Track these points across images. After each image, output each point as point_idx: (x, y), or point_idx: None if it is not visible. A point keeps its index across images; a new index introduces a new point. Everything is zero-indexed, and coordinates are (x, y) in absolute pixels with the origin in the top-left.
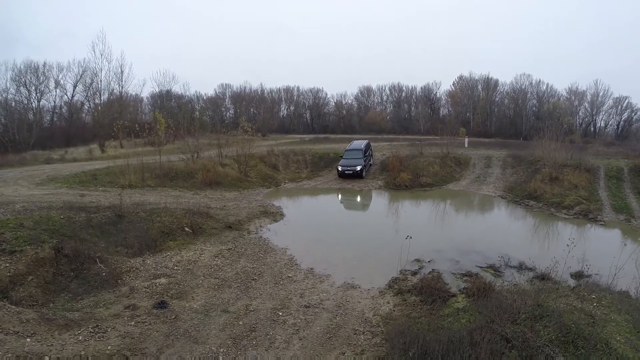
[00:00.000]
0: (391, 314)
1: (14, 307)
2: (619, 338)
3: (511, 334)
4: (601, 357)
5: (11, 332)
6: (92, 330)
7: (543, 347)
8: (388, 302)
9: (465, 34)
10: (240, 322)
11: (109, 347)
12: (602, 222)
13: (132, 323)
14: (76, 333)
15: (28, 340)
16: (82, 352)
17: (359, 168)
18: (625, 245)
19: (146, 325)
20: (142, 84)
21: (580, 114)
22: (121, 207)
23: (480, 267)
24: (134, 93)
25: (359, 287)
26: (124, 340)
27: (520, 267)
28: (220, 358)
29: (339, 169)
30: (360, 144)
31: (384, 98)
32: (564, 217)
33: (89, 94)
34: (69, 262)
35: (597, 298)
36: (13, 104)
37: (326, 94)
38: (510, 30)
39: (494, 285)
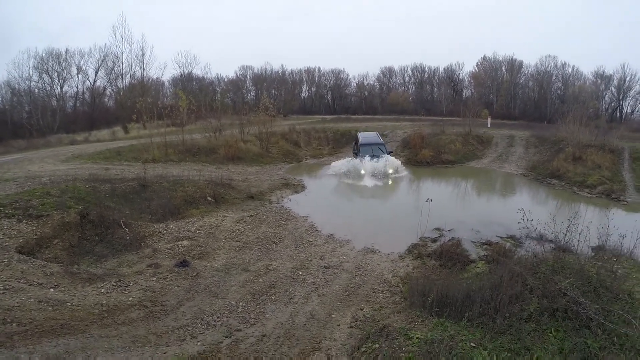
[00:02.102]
0: (410, 275)
1: (38, 261)
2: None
3: (531, 283)
4: (624, 306)
5: (35, 283)
6: (114, 284)
7: (565, 290)
8: (407, 265)
9: (489, 13)
10: (260, 280)
11: (130, 299)
12: (625, 202)
13: (154, 279)
14: (99, 286)
15: (51, 290)
16: (104, 302)
17: (390, 171)
18: None
19: (167, 281)
20: (163, 67)
21: (606, 98)
22: (145, 178)
23: (500, 237)
24: (155, 77)
25: (379, 252)
26: (145, 293)
27: (541, 239)
28: (239, 309)
29: (362, 172)
30: (374, 137)
31: (406, 79)
32: (586, 196)
33: (111, 78)
34: (94, 227)
35: (618, 260)
36: (36, 91)
37: (347, 75)
38: (536, 9)
39: (514, 252)
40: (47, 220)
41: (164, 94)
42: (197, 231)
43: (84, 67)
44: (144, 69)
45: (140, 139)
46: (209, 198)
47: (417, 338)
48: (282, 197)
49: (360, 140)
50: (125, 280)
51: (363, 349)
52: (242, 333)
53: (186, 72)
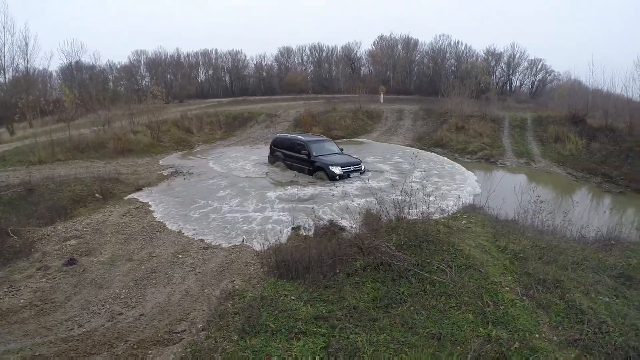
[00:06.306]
0: (282, 246)
1: None
2: (470, 242)
3: (366, 244)
4: (444, 257)
5: None
6: (6, 290)
7: (385, 249)
8: (285, 236)
9: None
10: (143, 267)
11: (21, 301)
12: (503, 165)
13: (44, 280)
14: None
15: None
16: None
17: (363, 166)
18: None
19: (56, 280)
20: (49, 57)
21: (497, 73)
22: (31, 182)
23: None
24: (41, 68)
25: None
26: (35, 294)
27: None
28: (122, 296)
29: (336, 171)
30: (313, 136)
31: (305, 58)
32: (467, 161)
33: None
34: None
35: (468, 217)
36: None
37: (245, 56)
38: None
39: (380, 216)
40: None
41: (52, 87)
42: (84, 229)
43: None
44: (27, 61)
45: (26, 140)
46: (96, 195)
47: (249, 297)
48: (169, 185)
49: (304, 137)
50: (16, 285)
51: (213, 312)
52: (123, 316)
53: (73, 61)
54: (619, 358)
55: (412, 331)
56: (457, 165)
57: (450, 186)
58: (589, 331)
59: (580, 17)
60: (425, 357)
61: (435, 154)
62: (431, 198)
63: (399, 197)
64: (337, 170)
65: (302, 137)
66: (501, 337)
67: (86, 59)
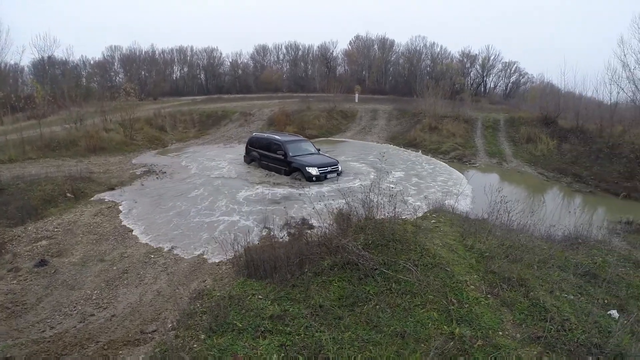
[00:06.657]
0: (254, 246)
1: None
2: (437, 242)
3: (333, 244)
4: (410, 256)
5: None
6: None
7: (352, 248)
8: (256, 237)
9: None
10: (114, 268)
11: None
12: (475, 165)
13: (15, 282)
14: None
15: None
16: None
17: (340, 167)
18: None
19: (27, 282)
20: (21, 51)
21: (471, 75)
22: (0, 182)
23: (348, 204)
24: (13, 62)
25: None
26: (6, 296)
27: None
28: (94, 297)
29: (313, 172)
30: (290, 135)
31: (281, 57)
32: (440, 161)
33: None
34: None
35: (437, 217)
36: None
37: (221, 54)
38: None
39: (350, 215)
40: None
41: (23, 82)
42: (56, 229)
43: None
44: None
45: None
46: (68, 194)
47: (217, 296)
48: (142, 184)
49: (281, 137)
50: None
51: (182, 311)
52: (95, 317)
53: (46, 56)
54: (581, 355)
55: (376, 329)
56: (439, 164)
57: (434, 188)
58: (551, 328)
59: (554, 20)
60: (389, 355)
61: (415, 153)
62: (410, 199)
63: (371, 197)
64: (314, 171)
65: (279, 137)
66: (464, 335)
67: (59, 54)
